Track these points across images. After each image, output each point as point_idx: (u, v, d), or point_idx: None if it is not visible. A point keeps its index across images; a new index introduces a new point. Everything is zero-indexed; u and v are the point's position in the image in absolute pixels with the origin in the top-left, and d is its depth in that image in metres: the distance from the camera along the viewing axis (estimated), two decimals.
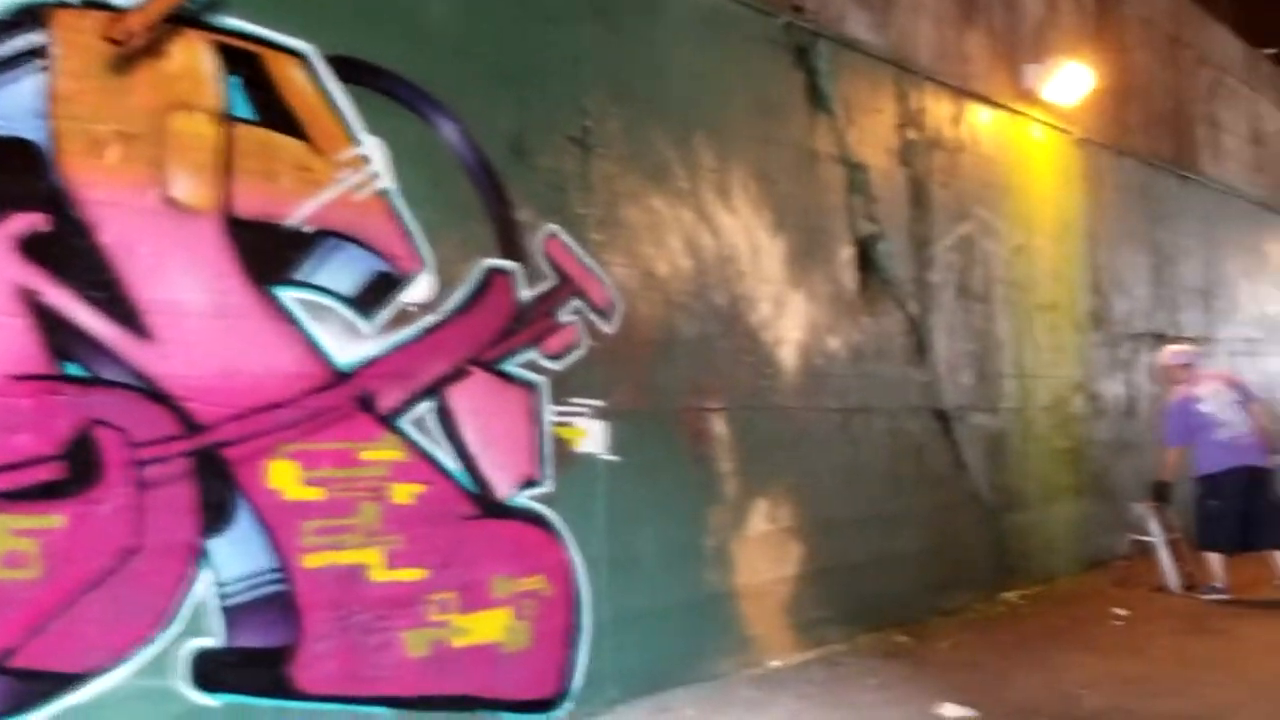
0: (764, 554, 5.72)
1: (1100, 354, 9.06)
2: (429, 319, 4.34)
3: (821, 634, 6.03)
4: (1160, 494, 7.75)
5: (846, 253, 6.47)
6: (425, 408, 4.31)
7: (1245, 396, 7.52)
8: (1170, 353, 8.21)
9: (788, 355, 5.98)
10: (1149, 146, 10.05)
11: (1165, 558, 7.58)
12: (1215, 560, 7.31)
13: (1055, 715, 4.72)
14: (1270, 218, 12.80)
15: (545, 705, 4.61)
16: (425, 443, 4.29)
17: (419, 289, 4.32)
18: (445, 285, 4.39)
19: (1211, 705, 4.78)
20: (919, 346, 7.00)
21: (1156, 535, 7.63)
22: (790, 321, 6.01)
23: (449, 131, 4.48)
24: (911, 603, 6.72)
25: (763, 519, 5.73)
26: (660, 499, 5.19)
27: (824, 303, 6.26)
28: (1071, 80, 8.28)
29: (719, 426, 5.53)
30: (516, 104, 4.73)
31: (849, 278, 6.48)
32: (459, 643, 4.34)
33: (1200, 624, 6.50)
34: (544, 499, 4.66)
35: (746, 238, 5.78)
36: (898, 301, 6.85)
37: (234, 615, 3.68)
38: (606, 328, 4.99)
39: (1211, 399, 7.47)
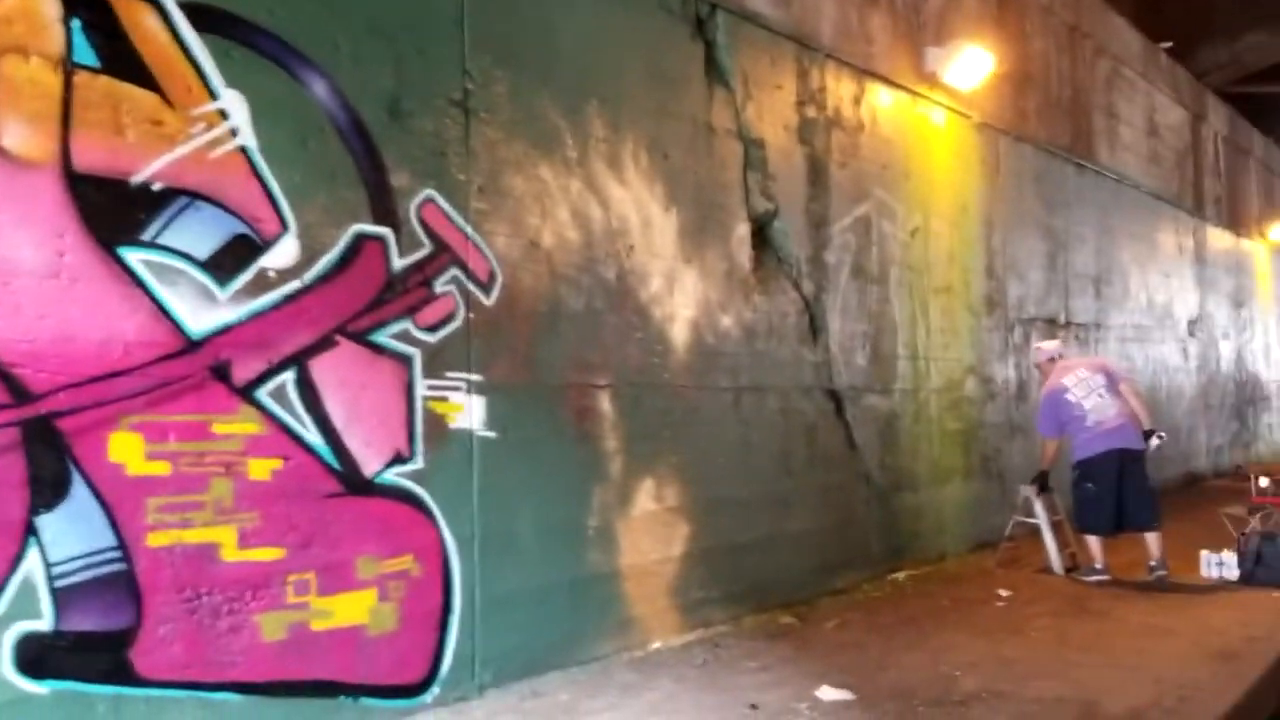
0: (649, 534, 5.62)
1: (994, 338, 9.16)
2: (292, 285, 4.12)
3: (706, 615, 5.95)
4: (1041, 482, 7.83)
5: (742, 230, 6.38)
6: (286, 379, 4.10)
7: (1113, 380, 7.58)
8: (1038, 349, 8.28)
9: (679, 332, 5.87)
10: (1047, 134, 10.17)
11: (1049, 540, 7.68)
12: (1094, 543, 7.43)
13: (931, 697, 4.70)
14: (1162, 209, 13.11)
15: (411, 690, 4.44)
16: (285, 416, 4.08)
17: (281, 254, 4.10)
18: (311, 250, 4.18)
19: (1084, 688, 4.82)
20: (813, 326, 6.96)
21: (1041, 518, 7.73)
22: (682, 298, 5.90)
23: (319, 89, 4.25)
24: (800, 583, 6.70)
25: (649, 498, 5.63)
26: (540, 477, 5.05)
27: (717, 280, 6.16)
28: (972, 64, 8.30)
29: (605, 404, 5.40)
30: (394, 63, 4.51)
31: (744, 255, 6.39)
32: (318, 626, 4.15)
33: (1080, 605, 6.58)
34: (415, 476, 4.48)
35: (638, 211, 5.64)
36: (792, 281, 6.79)
37: (67, 597, 3.44)
38: (486, 299, 4.81)
39: (1078, 387, 7.52)
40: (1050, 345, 8.32)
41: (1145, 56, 12.67)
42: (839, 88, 7.24)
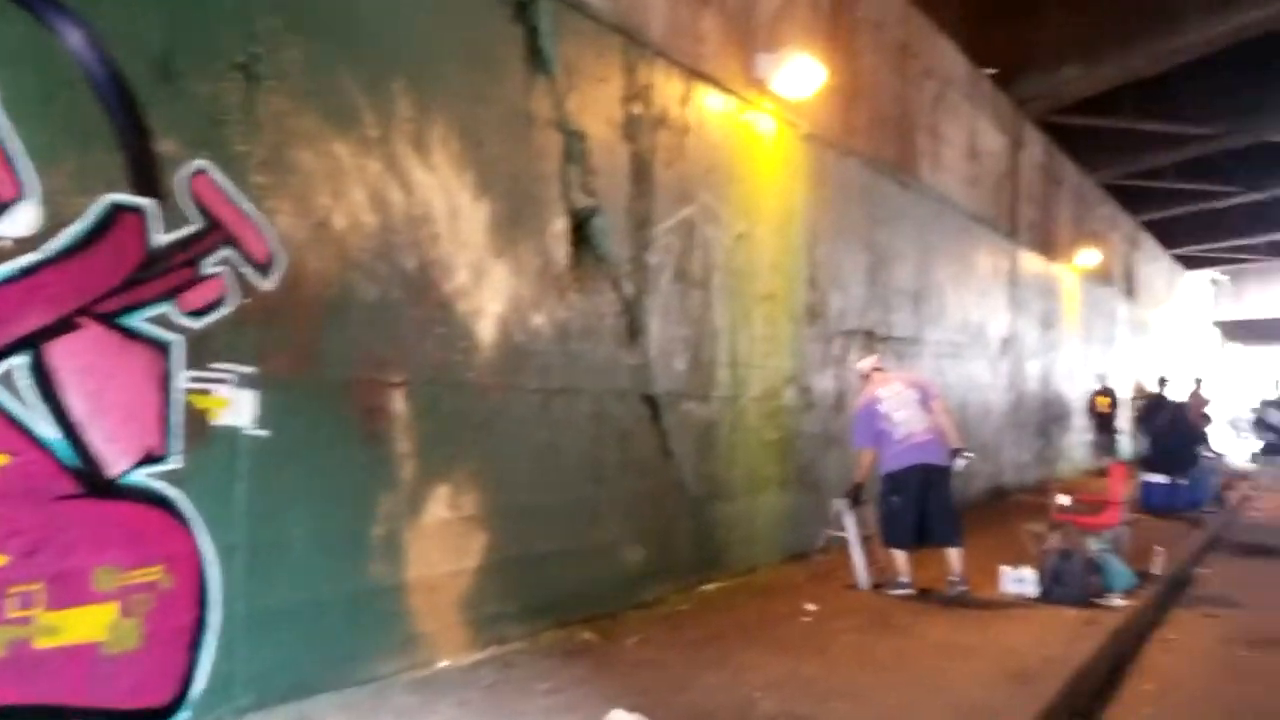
0: (441, 544, 5.26)
1: (814, 348, 9.15)
2: (29, 258, 3.61)
3: (502, 631, 5.63)
4: (854, 495, 7.83)
5: (559, 225, 6.09)
6: (17, 364, 3.58)
7: (926, 396, 7.66)
8: (860, 363, 8.31)
9: (485, 329, 5.54)
10: (873, 149, 10.26)
11: (857, 555, 7.67)
12: (900, 556, 7.47)
13: None
14: (979, 230, 13.50)
15: (156, 714, 3.97)
16: (13, 406, 3.57)
17: (17, 221, 3.59)
18: (55, 220, 3.68)
19: (882, 709, 4.73)
20: (631, 329, 6.73)
21: (850, 532, 7.71)
22: (490, 293, 5.57)
23: (73, 38, 3.76)
24: (606, 596, 6.46)
25: (443, 506, 5.27)
26: (319, 481, 4.63)
27: (530, 276, 5.85)
28: (802, 74, 8.25)
29: (398, 403, 5.02)
30: (167, 17, 4.04)
31: (560, 252, 6.10)
32: (45, 643, 3.64)
33: (884, 621, 6.56)
34: (170, 477, 4.01)
35: (445, 198, 5.28)
36: (612, 281, 6.54)
37: None
38: (264, 284, 4.37)
39: (891, 399, 7.57)
40: (870, 359, 8.33)
41: (970, 81, 13.02)
42: (667, 86, 7.04)
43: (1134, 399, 18.68)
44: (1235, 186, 20.67)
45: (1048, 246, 16.77)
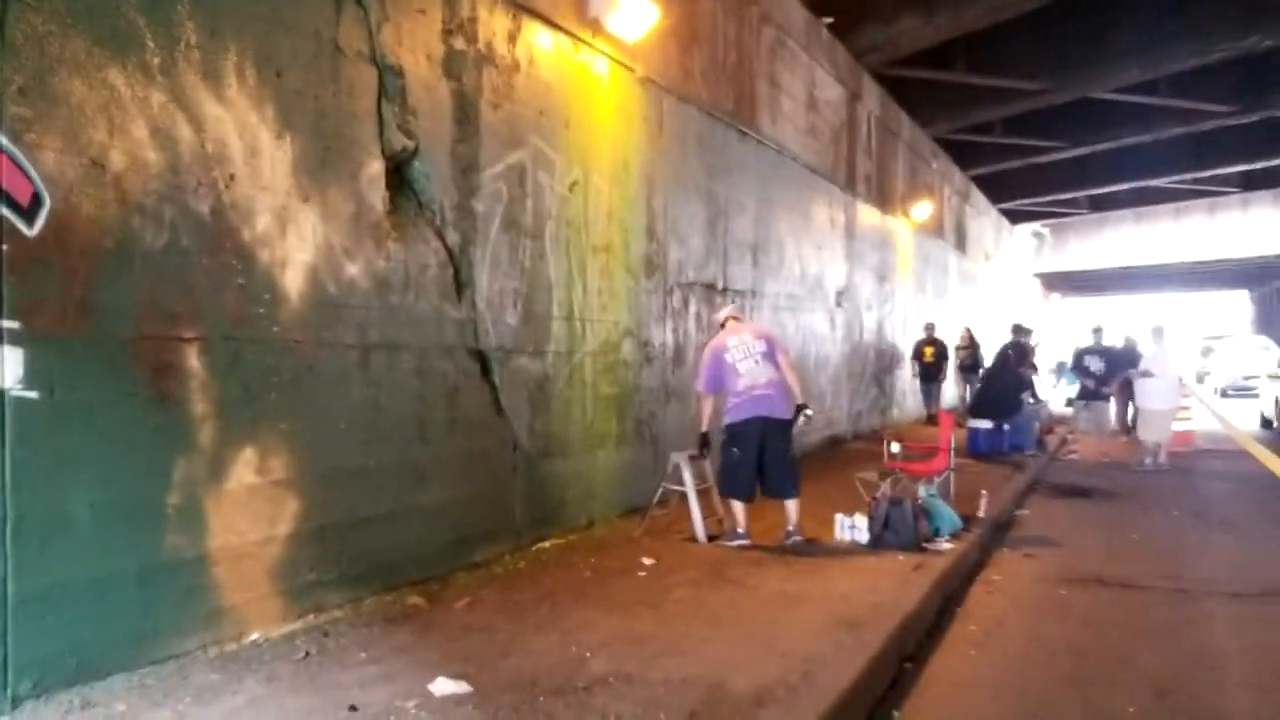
0: (248, 510, 4.88)
1: (652, 300, 8.99)
2: None
3: (319, 599, 5.30)
4: (701, 444, 7.72)
5: (374, 168, 5.70)
6: None
7: (772, 348, 7.59)
8: (719, 313, 8.14)
9: (292, 280, 5.13)
10: (710, 97, 10.11)
11: (694, 507, 7.58)
12: (738, 508, 7.41)
13: (555, 685, 4.32)
14: (818, 183, 13.57)
15: None
16: None
17: None
18: None
19: (713, 665, 4.61)
20: (458, 280, 6.40)
21: (688, 485, 7.61)
22: (297, 240, 5.16)
23: None
24: (434, 558, 6.17)
25: (249, 470, 4.88)
26: (102, 447, 4.19)
27: (343, 222, 5.46)
28: (636, 14, 8.00)
29: (192, 360, 4.59)
30: None
31: (376, 197, 5.72)
32: None
33: (719, 574, 6.48)
34: None
35: (242, 136, 4.84)
36: (435, 229, 6.20)
37: None
38: (28, 229, 3.90)
39: (737, 349, 7.48)
40: (729, 308, 8.16)
41: (808, 30, 13.00)
42: (492, 20, 6.68)
43: (959, 348, 19.17)
44: (1059, 142, 21.45)
45: (884, 200, 17.06)
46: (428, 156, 6.07)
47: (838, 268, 14.61)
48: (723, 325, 7.86)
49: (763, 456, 7.38)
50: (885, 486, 8.18)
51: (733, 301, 10.34)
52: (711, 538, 7.56)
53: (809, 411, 7.73)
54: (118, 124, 4.24)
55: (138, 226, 4.33)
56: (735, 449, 7.39)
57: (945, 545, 7.50)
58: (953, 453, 8.94)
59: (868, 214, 16.10)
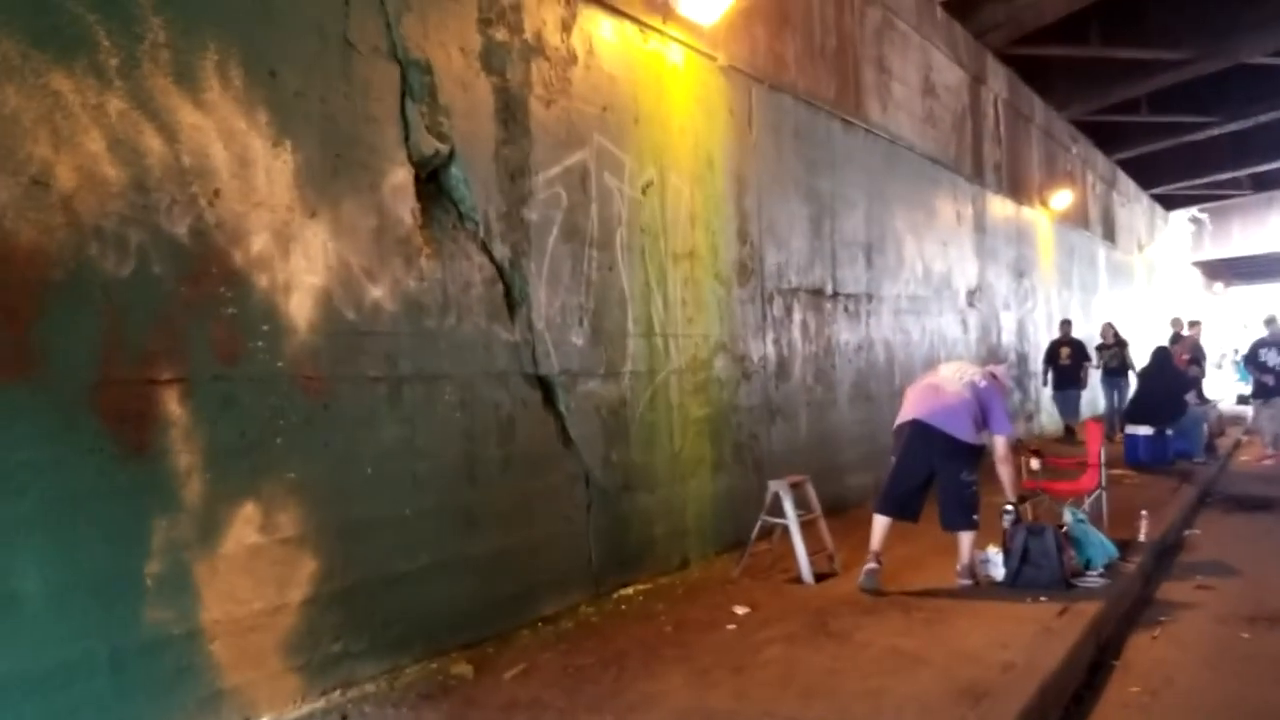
0: (251, 575, 4.23)
1: (748, 310, 8.12)
2: None
3: (348, 672, 4.62)
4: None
5: (400, 176, 5.03)
6: None
7: (991, 394, 6.60)
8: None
9: (299, 307, 4.49)
10: (808, 85, 9.19)
11: (798, 543, 6.67)
12: (875, 525, 6.50)
13: None
14: (940, 174, 12.45)
15: None
16: None
17: None
18: None
19: None
20: (509, 299, 5.69)
21: (789, 517, 6.70)
22: (304, 262, 4.51)
23: None
24: (491, 615, 5.45)
25: (250, 528, 4.24)
26: (57, 513, 3.59)
27: (362, 239, 4.80)
28: None
29: (172, 405, 3.97)
30: None
31: (404, 209, 5.04)
32: None
33: (822, 625, 5.56)
34: None
35: (228, 146, 4.21)
36: (479, 242, 5.50)
37: None
38: None
39: (954, 372, 6.75)
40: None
41: (920, 9, 11.93)
42: (540, 9, 5.96)
43: (1101, 347, 16.27)
44: (1213, 117, 19.59)
45: (1017, 189, 15.73)
46: (466, 161, 5.38)
47: (967, 265, 13.42)
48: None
49: (931, 474, 6.47)
50: (1023, 511, 7.10)
51: (828, 310, 9.37)
52: (821, 576, 6.64)
53: (1008, 516, 6.65)
54: (65, 136, 3.65)
55: (96, 254, 3.73)
56: (892, 455, 6.64)
57: (1098, 580, 6.42)
58: (1104, 469, 7.77)
59: (999, 205, 14.83)
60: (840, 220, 9.72)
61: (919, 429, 6.40)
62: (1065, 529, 6.63)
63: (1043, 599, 6.00)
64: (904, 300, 11.23)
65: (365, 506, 4.76)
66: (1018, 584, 6.31)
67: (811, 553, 6.78)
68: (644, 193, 6.88)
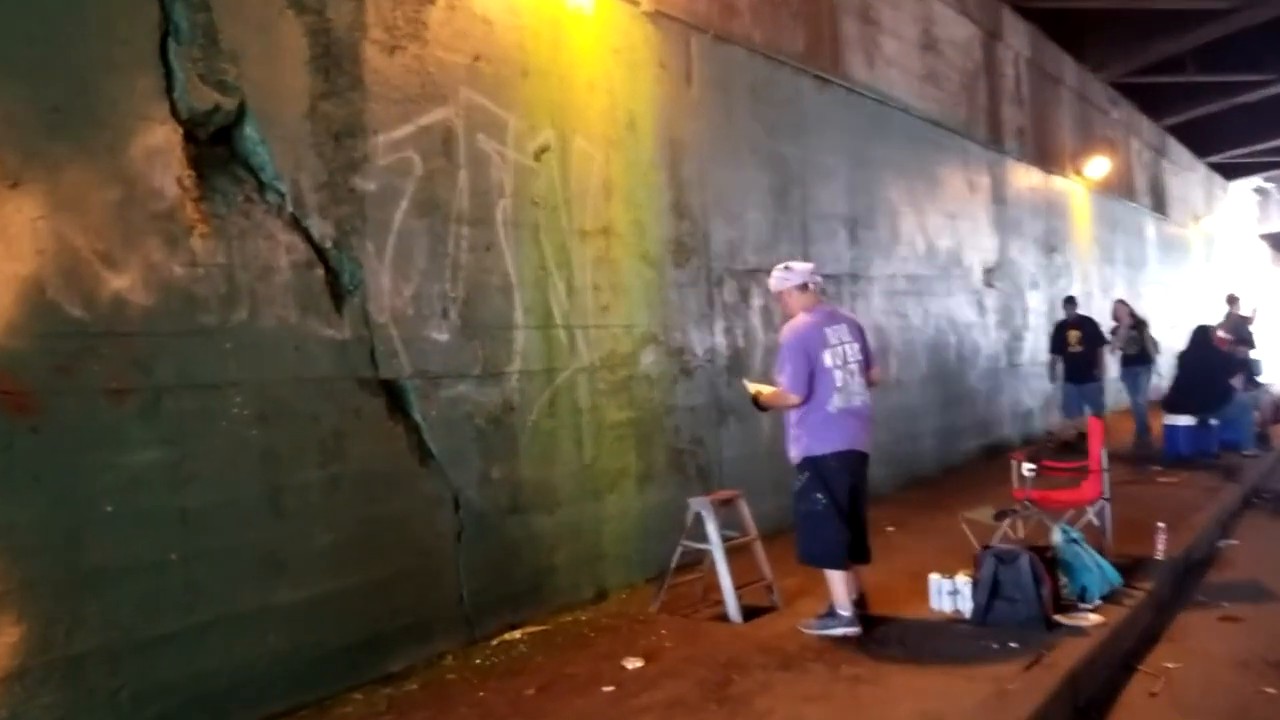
0: None
1: (687, 295, 7.01)
2: None
3: None
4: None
5: (158, 136, 4.02)
6: None
7: (869, 359, 5.46)
8: (786, 270, 5.45)
9: None
10: (768, 37, 8.03)
11: (724, 575, 5.56)
12: (837, 580, 5.22)
13: None
14: (944, 139, 11.17)
15: None
16: None
17: None
18: None
19: None
20: (333, 287, 4.66)
21: (714, 543, 5.59)
22: (0, 247, 3.52)
23: None
24: (307, 678, 4.44)
25: None
26: None
27: (94, 215, 3.79)
28: None
29: None
30: None
31: (164, 177, 4.03)
32: None
33: (720, 688, 4.45)
34: None
35: None
36: (286, 218, 4.47)
37: None
38: None
39: (836, 347, 5.27)
40: (803, 266, 5.52)
41: None
42: None
43: (1116, 329, 12.92)
44: (1268, 74, 17.90)
45: (1045, 157, 14.34)
46: (264, 119, 4.36)
47: (983, 240, 12.13)
48: (785, 293, 5.44)
49: (857, 506, 5.29)
50: (1002, 530, 5.95)
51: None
52: (755, 612, 5.55)
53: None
54: None
55: None
56: (820, 494, 5.19)
57: (1090, 616, 5.23)
58: (1106, 475, 6.53)
59: (1023, 175, 13.48)
60: (813, 190, 8.55)
61: (853, 458, 5.31)
62: (1051, 553, 5.44)
63: (1013, 644, 4.85)
64: (901, 280, 10.01)
65: (103, 554, 3.76)
66: (987, 621, 5.16)
67: (745, 584, 5.69)
68: (538, 159, 5.81)
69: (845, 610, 5.21)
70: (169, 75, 4.05)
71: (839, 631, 5.17)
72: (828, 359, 5.20)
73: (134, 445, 3.88)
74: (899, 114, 10.12)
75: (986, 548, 5.42)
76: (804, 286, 5.40)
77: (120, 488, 3.82)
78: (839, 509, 5.18)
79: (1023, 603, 5.14)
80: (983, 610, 5.22)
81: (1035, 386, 13.42)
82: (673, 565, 5.77)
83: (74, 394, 3.70)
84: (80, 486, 3.71)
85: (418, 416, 5.02)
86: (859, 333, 5.43)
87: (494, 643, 5.27)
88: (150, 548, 3.91)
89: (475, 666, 4.95)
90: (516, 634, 5.40)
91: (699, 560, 5.88)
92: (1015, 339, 13.00)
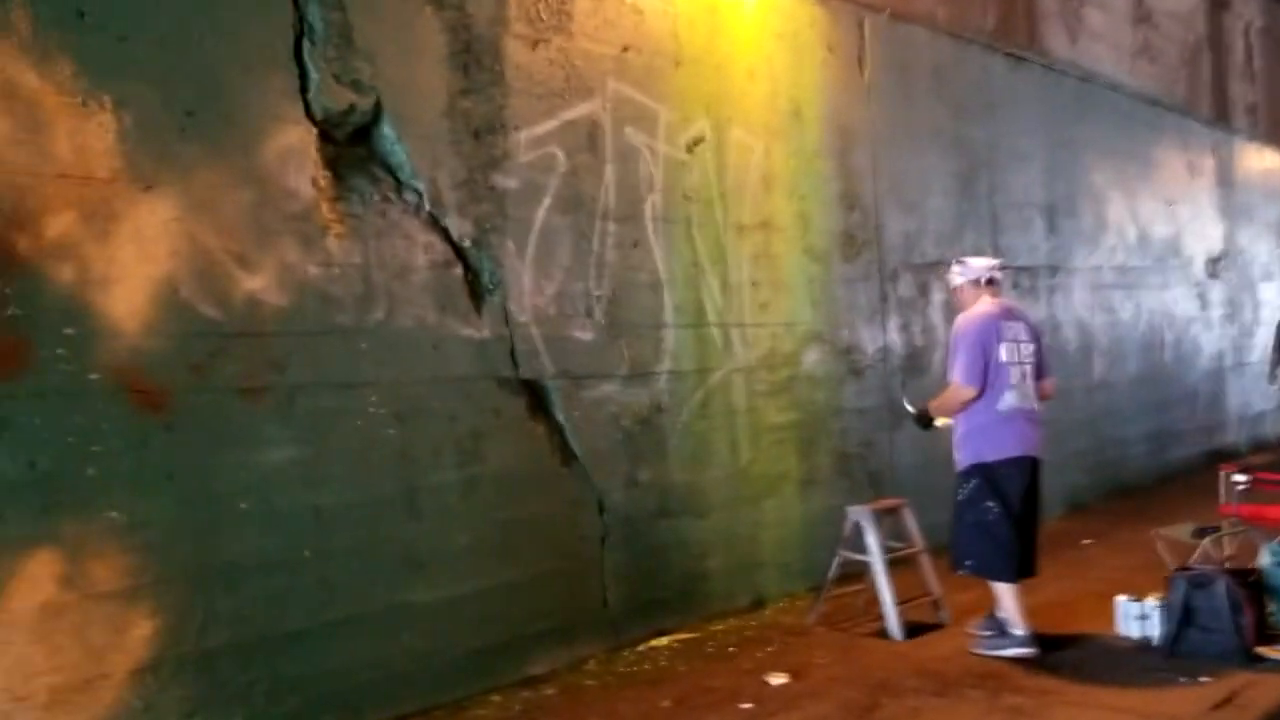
0: (47, 642, 3.37)
1: (858, 291, 6.65)
2: None
3: None
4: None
5: (292, 137, 4.06)
6: None
7: (1044, 364, 5.04)
8: (961, 265, 5.21)
9: (124, 303, 3.59)
10: (952, 14, 7.54)
11: (884, 589, 5.21)
12: (1007, 594, 4.85)
13: None
14: (1163, 119, 10.27)
15: None
16: None
17: None
18: None
19: None
20: (473, 286, 4.62)
21: (874, 554, 5.24)
22: (134, 247, 3.61)
23: None
24: (444, 679, 4.42)
25: (44, 583, 3.38)
26: None
27: (228, 216, 3.85)
28: None
29: None
30: None
31: (299, 177, 4.07)
32: None
33: (866, 711, 4.15)
34: None
35: (6, 102, 3.37)
36: (424, 217, 4.45)
37: None
38: None
39: (1012, 343, 4.88)
40: (980, 262, 5.22)
41: None
42: None
43: None
44: None
45: None
46: (400, 118, 4.35)
47: (1206, 227, 11.09)
48: (962, 288, 5.11)
49: (1025, 516, 4.87)
50: (1203, 549, 5.33)
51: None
52: (920, 629, 5.19)
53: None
54: None
55: None
56: (991, 503, 4.82)
57: None
58: None
59: (1254, 156, 12.25)
60: (1004, 175, 7.99)
61: (1027, 465, 4.91)
62: (1256, 576, 4.82)
63: (1204, 679, 4.31)
64: (1108, 273, 9.25)
65: (237, 550, 3.82)
66: (1178, 651, 4.62)
67: (910, 598, 5.33)
68: (690, 151, 5.61)
69: (1019, 630, 4.79)
70: (303, 76, 4.08)
71: (1011, 652, 4.76)
72: (1004, 353, 4.82)
73: (268, 443, 3.92)
74: (1106, 92, 9.35)
75: (1184, 568, 4.86)
76: (980, 281, 5.06)
77: (253, 485, 3.87)
78: (1011, 518, 4.77)
79: (1219, 632, 4.57)
80: (1172, 639, 4.68)
81: (1268, 388, 12.17)
82: (830, 576, 5.46)
83: (208, 393, 3.77)
84: (213, 484, 3.78)
85: (560, 417, 4.91)
86: (1035, 335, 4.99)
87: (639, 649, 5.12)
88: (283, 545, 3.95)
89: (617, 673, 4.81)
90: (664, 641, 5.23)
91: (863, 571, 5.54)
92: (1244, 335, 11.85)
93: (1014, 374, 4.83)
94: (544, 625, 4.80)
